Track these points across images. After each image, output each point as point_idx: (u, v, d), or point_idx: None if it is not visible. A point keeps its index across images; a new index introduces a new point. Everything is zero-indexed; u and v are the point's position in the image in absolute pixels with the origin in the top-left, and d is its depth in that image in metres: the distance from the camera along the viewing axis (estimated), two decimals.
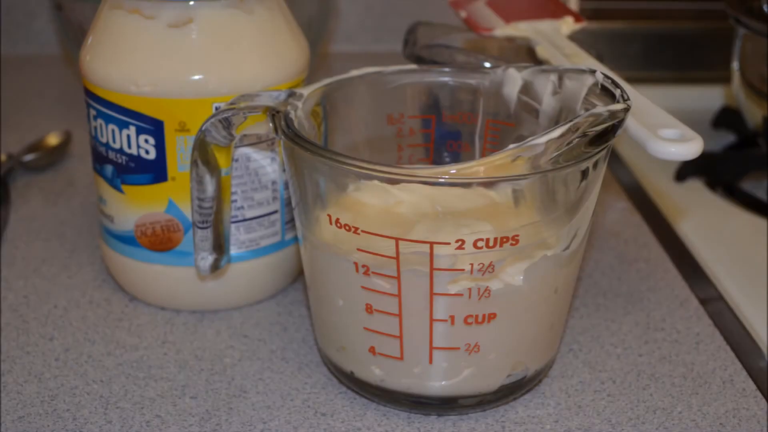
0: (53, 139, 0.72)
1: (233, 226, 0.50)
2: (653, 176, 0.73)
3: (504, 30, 0.61)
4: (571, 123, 0.39)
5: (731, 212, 0.68)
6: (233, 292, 0.52)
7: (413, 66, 0.52)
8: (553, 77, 0.46)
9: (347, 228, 0.41)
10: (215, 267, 0.48)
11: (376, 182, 0.40)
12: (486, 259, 0.40)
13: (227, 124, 0.44)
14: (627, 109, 0.40)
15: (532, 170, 0.39)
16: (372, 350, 0.43)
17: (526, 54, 0.59)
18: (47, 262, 0.58)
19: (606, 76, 0.44)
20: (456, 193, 0.43)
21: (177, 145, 0.48)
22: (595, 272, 0.57)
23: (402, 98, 0.50)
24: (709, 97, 0.86)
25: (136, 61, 0.47)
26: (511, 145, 0.39)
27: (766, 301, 0.56)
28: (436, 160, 0.51)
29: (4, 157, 0.68)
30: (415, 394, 0.44)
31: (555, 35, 0.59)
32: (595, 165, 0.42)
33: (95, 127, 0.50)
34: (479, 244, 0.40)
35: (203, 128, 0.44)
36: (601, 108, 0.40)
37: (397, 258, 0.40)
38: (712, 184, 0.71)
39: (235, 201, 0.50)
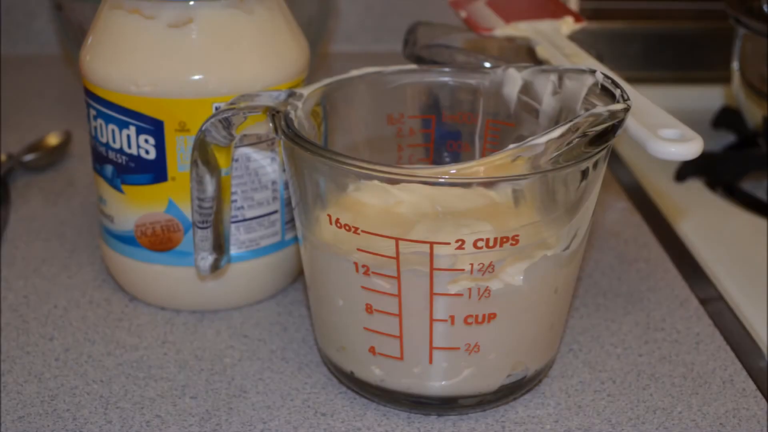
0: (53, 139, 0.72)
1: (233, 226, 0.50)
2: (653, 176, 0.73)
3: (504, 30, 0.61)
4: (571, 123, 0.39)
5: (731, 212, 0.68)
6: (233, 292, 0.52)
7: (413, 66, 0.52)
8: (553, 77, 0.46)
9: (347, 228, 0.41)
10: (215, 267, 0.48)
11: (376, 182, 0.40)
12: (486, 259, 0.40)
13: (227, 124, 0.44)
14: (627, 109, 0.40)
15: (532, 170, 0.39)
16: (372, 350, 0.43)
17: (526, 54, 0.59)
18: (47, 262, 0.58)
19: (606, 76, 0.44)
20: (456, 193, 0.43)
21: (177, 145, 0.48)
22: (595, 272, 0.57)
23: (402, 98, 0.50)
24: (709, 97, 0.86)
25: (136, 61, 0.47)
26: (511, 145, 0.39)
27: (766, 301, 0.56)
28: (436, 160, 0.51)
29: (4, 157, 0.68)
30: (415, 394, 0.44)
31: (555, 35, 0.59)
32: (595, 165, 0.42)
33: (95, 127, 0.50)
34: (479, 244, 0.40)
35: (203, 128, 0.44)
36: (601, 108, 0.40)
37: (397, 258, 0.40)
38: (712, 184, 0.71)
39: (235, 201, 0.50)
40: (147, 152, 0.48)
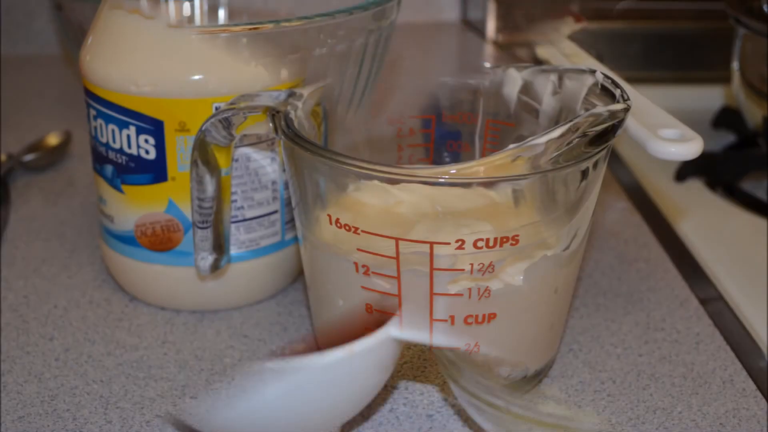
0: (53, 139, 0.72)
1: (233, 226, 0.50)
2: (653, 176, 0.73)
3: None
4: (571, 123, 0.39)
5: (731, 212, 0.68)
6: (233, 292, 0.52)
7: None
8: (553, 77, 0.46)
9: (347, 228, 0.41)
10: (215, 267, 0.48)
11: (376, 182, 0.40)
12: (486, 259, 0.40)
13: (227, 124, 0.44)
14: (627, 109, 0.40)
15: (532, 170, 0.39)
16: None
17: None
18: (47, 262, 0.58)
19: (606, 76, 0.44)
20: (456, 193, 0.43)
21: (177, 145, 0.48)
22: (595, 272, 0.57)
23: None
24: (709, 97, 0.85)
25: (136, 61, 0.47)
26: (511, 145, 0.39)
27: (766, 301, 0.56)
28: (436, 160, 0.51)
29: (4, 157, 0.68)
30: None
31: (555, 35, 0.59)
32: (595, 165, 0.42)
33: (95, 127, 0.50)
34: (479, 244, 0.40)
35: (203, 128, 0.44)
36: (601, 108, 0.40)
37: (397, 258, 0.40)
38: (712, 184, 0.71)
39: (235, 201, 0.50)
40: (147, 152, 0.48)
